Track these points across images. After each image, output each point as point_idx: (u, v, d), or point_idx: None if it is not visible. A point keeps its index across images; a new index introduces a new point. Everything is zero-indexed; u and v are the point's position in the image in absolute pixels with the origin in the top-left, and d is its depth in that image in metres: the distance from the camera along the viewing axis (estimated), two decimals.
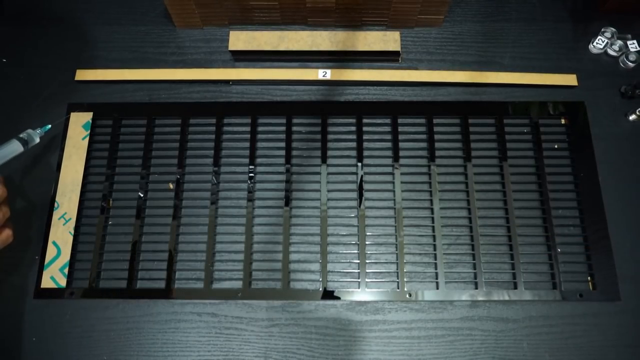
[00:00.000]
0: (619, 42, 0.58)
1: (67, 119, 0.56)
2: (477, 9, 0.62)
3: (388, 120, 0.56)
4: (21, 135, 0.49)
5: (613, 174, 0.53)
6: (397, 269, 0.50)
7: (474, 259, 0.51)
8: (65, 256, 0.51)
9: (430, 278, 0.50)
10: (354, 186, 0.54)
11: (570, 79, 0.57)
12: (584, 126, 0.55)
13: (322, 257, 0.51)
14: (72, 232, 0.52)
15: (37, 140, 0.50)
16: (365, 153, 0.55)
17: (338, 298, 0.50)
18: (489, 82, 0.57)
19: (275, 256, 0.51)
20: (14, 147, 0.48)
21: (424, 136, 0.56)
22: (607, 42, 0.58)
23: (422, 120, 0.56)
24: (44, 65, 0.60)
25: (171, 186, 0.54)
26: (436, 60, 0.59)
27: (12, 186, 0.54)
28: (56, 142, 0.56)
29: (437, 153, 0.54)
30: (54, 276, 0.50)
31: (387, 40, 0.56)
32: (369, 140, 0.55)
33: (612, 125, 0.56)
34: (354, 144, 0.55)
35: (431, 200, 0.53)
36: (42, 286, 0.50)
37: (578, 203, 0.52)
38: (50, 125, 0.52)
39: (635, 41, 0.58)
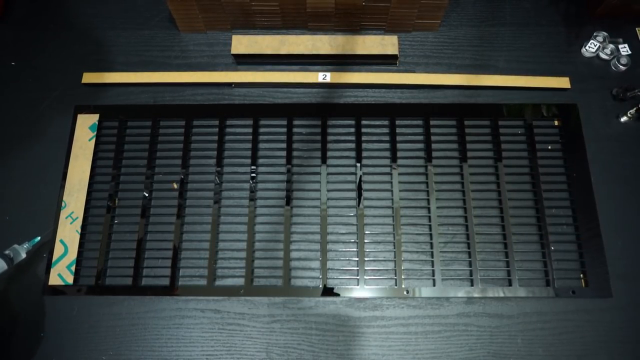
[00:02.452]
0: (611, 46, 0.60)
1: (55, 229, 0.52)
2: (472, 13, 0.63)
3: (386, 122, 0.58)
4: (6, 252, 0.47)
5: (605, 174, 0.55)
6: (394, 267, 0.52)
7: (469, 257, 0.52)
8: (73, 254, 0.52)
9: (427, 275, 0.52)
10: (353, 186, 0.55)
11: (563, 82, 0.58)
12: (577, 127, 0.56)
13: (322, 255, 0.52)
14: (79, 230, 0.53)
15: (24, 255, 0.48)
16: (364, 154, 0.56)
17: (337, 295, 0.51)
18: (484, 84, 0.58)
19: (276, 254, 0.53)
20: None
21: (421, 137, 0.57)
22: (599, 46, 0.59)
23: (419, 122, 0.57)
24: (52, 69, 0.61)
25: (175, 186, 0.55)
26: (433, 63, 0.61)
27: (18, 186, 0.55)
28: (63, 144, 0.57)
29: (434, 154, 0.56)
30: (61, 274, 0.52)
31: (385, 44, 0.58)
32: (367, 142, 0.57)
33: (604, 127, 0.57)
34: (353, 145, 0.57)
35: (428, 200, 0.54)
36: (50, 283, 0.51)
37: (571, 202, 0.54)
38: (39, 237, 0.50)
39: (626, 45, 0.60)
